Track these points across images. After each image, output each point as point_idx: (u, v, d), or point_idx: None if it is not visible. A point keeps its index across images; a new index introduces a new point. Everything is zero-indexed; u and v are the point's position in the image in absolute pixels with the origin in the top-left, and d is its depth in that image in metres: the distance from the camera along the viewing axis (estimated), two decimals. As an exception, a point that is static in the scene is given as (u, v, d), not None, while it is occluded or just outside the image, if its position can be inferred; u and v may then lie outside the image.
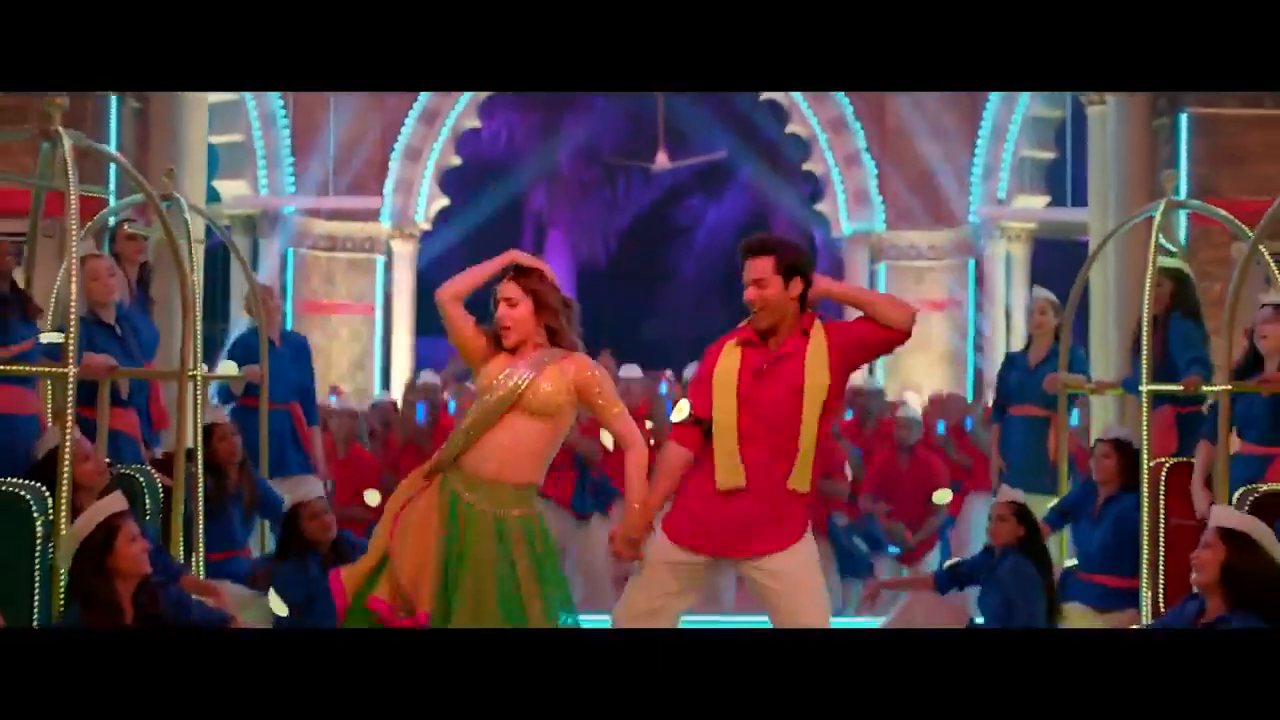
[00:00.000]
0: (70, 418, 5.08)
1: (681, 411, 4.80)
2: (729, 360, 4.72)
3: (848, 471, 9.52)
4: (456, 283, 4.82)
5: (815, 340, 4.66)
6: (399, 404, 11.47)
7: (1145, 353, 6.65)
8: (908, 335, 4.71)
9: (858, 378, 11.70)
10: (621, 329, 24.21)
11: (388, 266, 17.75)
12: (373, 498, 9.17)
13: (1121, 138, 9.71)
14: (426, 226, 18.02)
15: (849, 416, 10.41)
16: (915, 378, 17.39)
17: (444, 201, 18.09)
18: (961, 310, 17.74)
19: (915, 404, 12.61)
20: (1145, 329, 6.68)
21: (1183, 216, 8.46)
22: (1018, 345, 12.25)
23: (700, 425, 4.72)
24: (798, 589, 4.67)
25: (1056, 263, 15.86)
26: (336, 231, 17.33)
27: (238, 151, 16.11)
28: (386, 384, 17.09)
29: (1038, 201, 17.25)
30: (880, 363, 17.72)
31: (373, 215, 17.42)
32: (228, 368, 8.15)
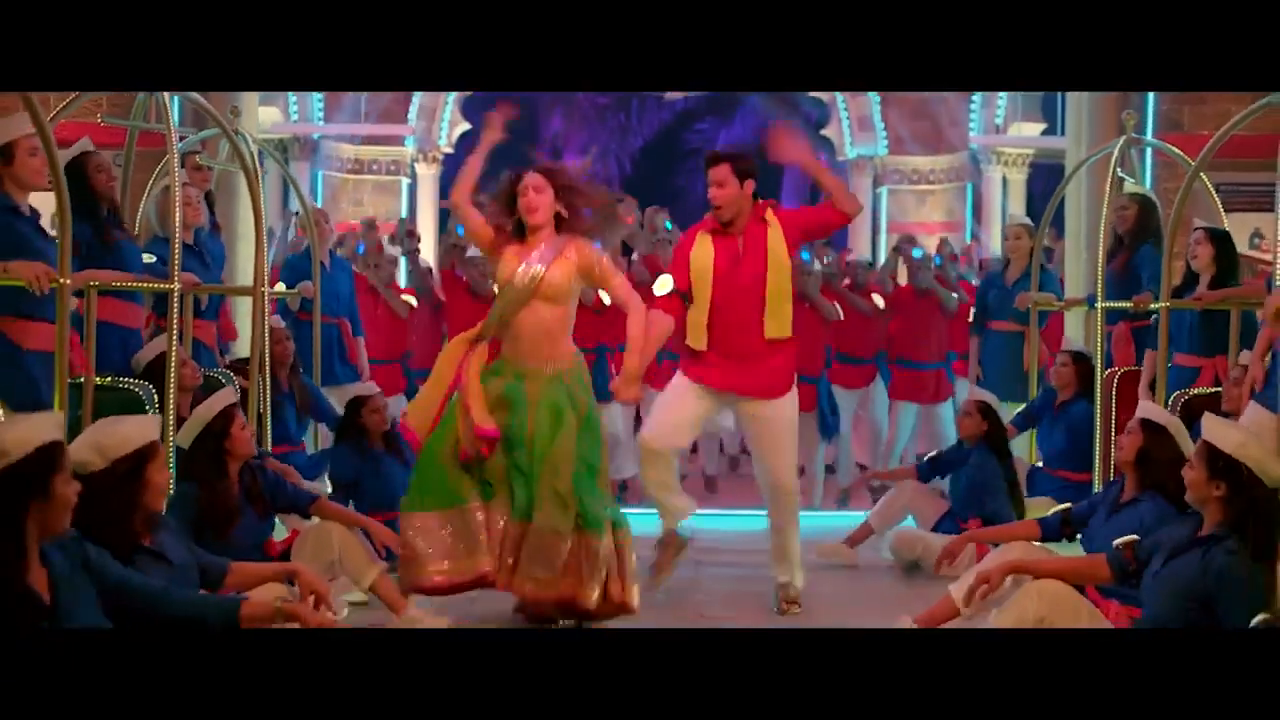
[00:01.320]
0: (176, 327, 5.94)
1: (665, 285, 6.03)
2: (703, 248, 5.92)
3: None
4: (462, 182, 5.92)
5: (774, 227, 5.88)
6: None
7: (1100, 274, 7.47)
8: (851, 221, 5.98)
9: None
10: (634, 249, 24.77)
11: (412, 189, 18.45)
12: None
13: (1095, 75, 10.26)
14: (449, 150, 18.67)
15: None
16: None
17: (465, 126, 18.77)
18: (960, 232, 18.20)
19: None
20: (1101, 252, 7.50)
21: (1148, 150, 9.17)
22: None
23: (681, 296, 5.95)
24: (775, 441, 5.99)
25: (1051, 187, 16.38)
26: (364, 155, 18.03)
27: (270, 79, 16.73)
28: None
29: (1033, 129, 17.84)
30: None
31: (398, 140, 18.13)
32: (280, 287, 8.95)
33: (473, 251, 9.66)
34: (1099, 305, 7.49)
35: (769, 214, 5.91)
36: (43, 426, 3.48)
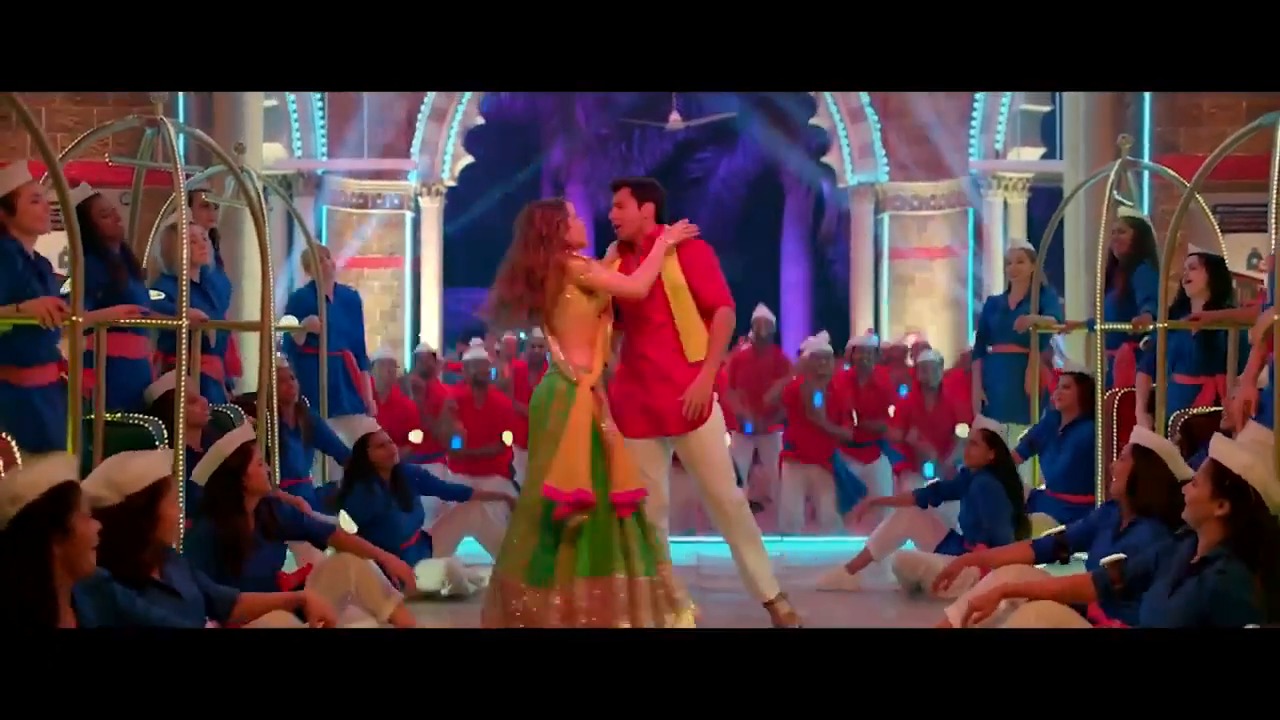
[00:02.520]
0: (184, 363, 6.01)
1: None
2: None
3: (854, 418, 10.39)
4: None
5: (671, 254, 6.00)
6: (437, 354, 12.37)
7: (1099, 296, 7.53)
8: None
9: (856, 336, 12.74)
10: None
11: (416, 223, 18.59)
12: (417, 436, 10.06)
13: (1091, 98, 10.41)
14: (452, 183, 18.88)
15: (846, 369, 11.13)
16: (918, 322, 18.16)
17: (468, 159, 18.94)
18: (961, 258, 18.39)
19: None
20: (1099, 275, 7.56)
21: (1145, 172, 9.24)
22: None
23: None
24: (709, 466, 6.09)
25: (1051, 211, 16.42)
26: (368, 190, 18.19)
27: (274, 116, 16.75)
28: (417, 332, 17.93)
29: (1033, 153, 17.95)
30: (885, 307, 18.54)
31: (402, 174, 18.27)
32: (286, 321, 9.04)
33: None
34: (1098, 328, 7.55)
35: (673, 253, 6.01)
36: (55, 468, 3.55)
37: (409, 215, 18.49)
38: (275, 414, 7.44)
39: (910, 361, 12.06)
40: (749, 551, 6.25)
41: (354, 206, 18.18)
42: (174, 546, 4.43)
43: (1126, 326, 7.49)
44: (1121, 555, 4.70)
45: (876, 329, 17.70)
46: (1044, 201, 18.05)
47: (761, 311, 11.29)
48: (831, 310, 22.08)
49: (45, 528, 3.41)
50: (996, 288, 17.40)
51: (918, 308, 18.40)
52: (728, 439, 6.44)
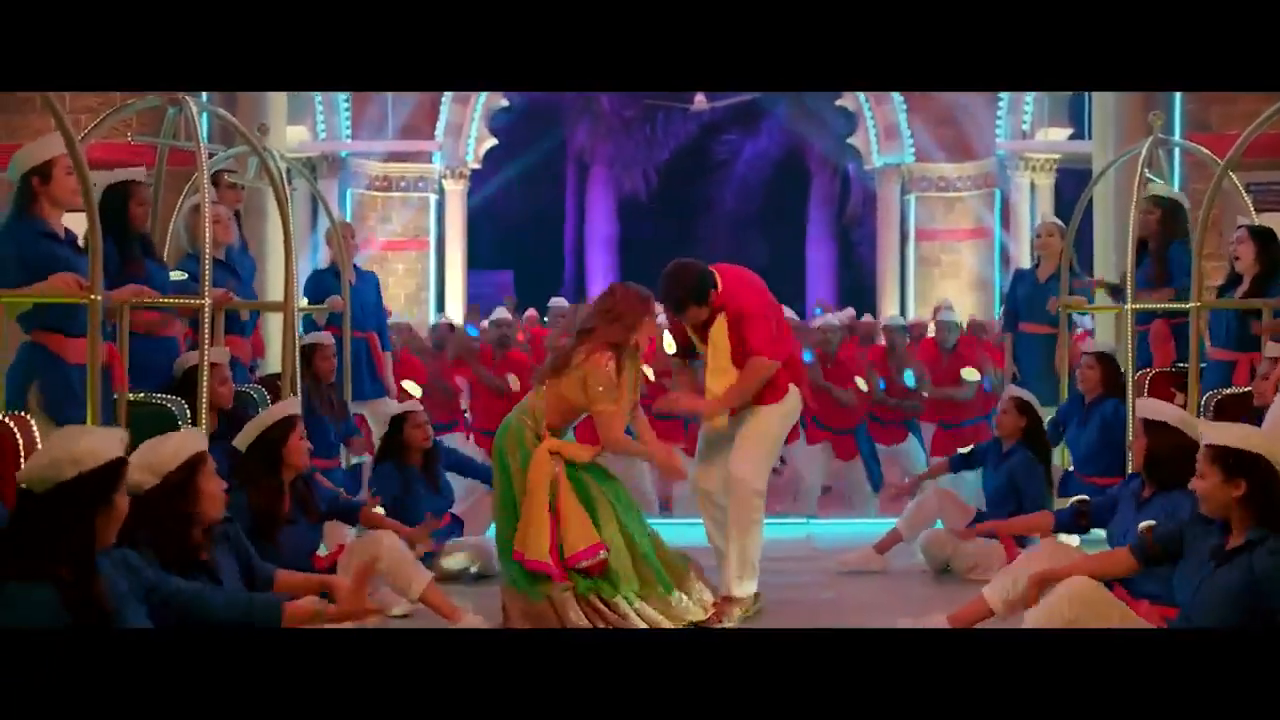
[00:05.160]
0: (206, 342, 5.98)
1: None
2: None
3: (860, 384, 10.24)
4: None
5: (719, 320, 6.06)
6: (455, 327, 12.36)
7: (1129, 275, 7.43)
8: None
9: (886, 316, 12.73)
10: (662, 260, 24.74)
11: (440, 205, 18.57)
12: (414, 388, 9.94)
13: (1122, 76, 10.26)
14: (476, 166, 18.84)
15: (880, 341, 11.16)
16: (948, 304, 18.05)
17: (492, 142, 18.89)
18: (989, 238, 18.31)
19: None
20: (1130, 254, 7.46)
21: (1176, 150, 9.13)
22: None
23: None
24: (750, 442, 6.13)
25: (1079, 192, 16.31)
26: (391, 173, 18.18)
27: (298, 98, 16.65)
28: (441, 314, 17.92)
29: (1060, 133, 17.81)
30: (912, 289, 18.46)
31: (425, 157, 18.24)
32: (302, 302, 8.95)
33: None
34: (1129, 306, 7.45)
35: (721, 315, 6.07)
36: (111, 441, 3.66)
37: (433, 198, 18.47)
38: (303, 394, 7.40)
39: (931, 329, 11.98)
40: (737, 540, 6.09)
41: (378, 189, 18.18)
42: (221, 519, 4.47)
43: (1157, 305, 7.39)
44: (1153, 521, 4.61)
45: (903, 311, 17.60)
46: (1072, 182, 17.96)
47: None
48: (858, 292, 22.00)
49: (94, 497, 3.54)
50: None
51: (944, 289, 18.23)
52: (780, 434, 6.40)
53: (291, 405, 5.78)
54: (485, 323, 10.92)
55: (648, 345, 6.07)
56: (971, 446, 8.19)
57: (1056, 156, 17.75)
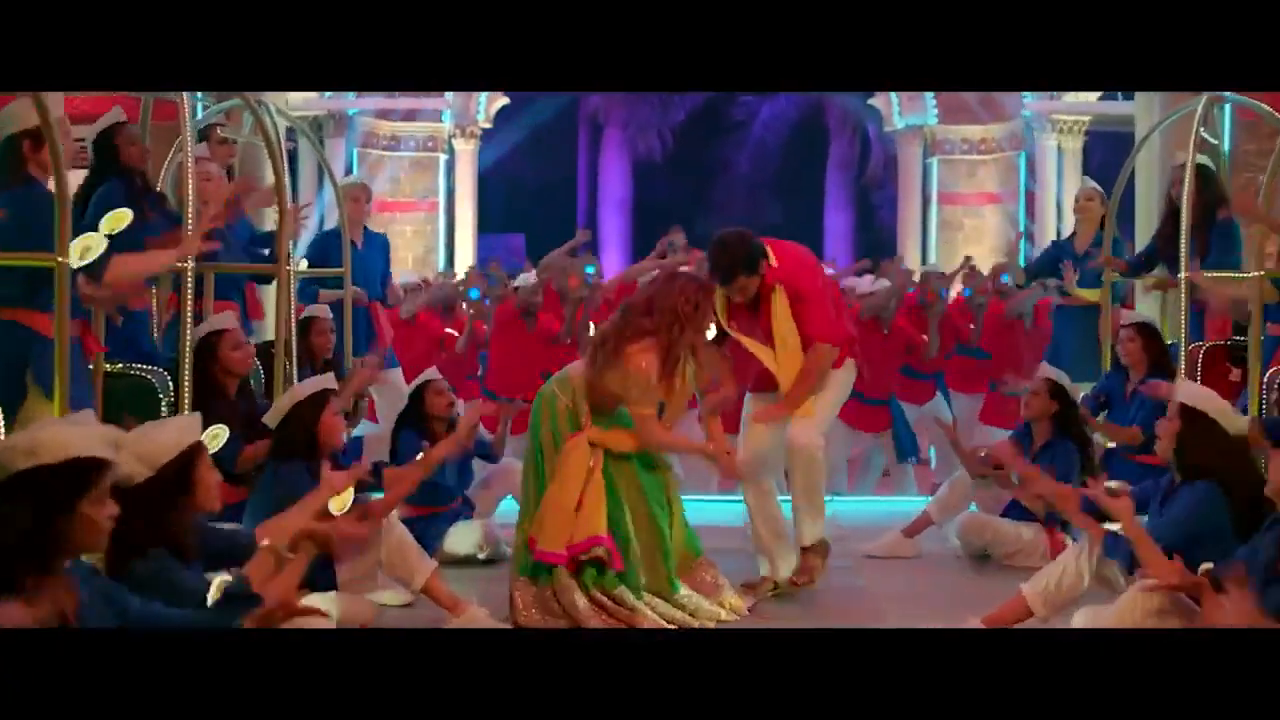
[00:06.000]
0: (189, 309, 5.57)
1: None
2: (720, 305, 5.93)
3: None
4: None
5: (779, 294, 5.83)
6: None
7: (1184, 242, 6.94)
8: None
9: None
10: (677, 222, 24.31)
11: (450, 165, 18.11)
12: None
13: (1168, 31, 9.74)
14: (487, 125, 18.38)
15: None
16: (970, 271, 17.59)
17: (504, 100, 18.41)
18: (1014, 203, 17.88)
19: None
20: (1185, 219, 6.96)
21: (1227, 109, 8.58)
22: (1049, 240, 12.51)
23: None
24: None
25: (1109, 156, 15.96)
26: (400, 132, 17.71)
27: (303, 54, 16.43)
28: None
29: (1090, 94, 17.29)
30: (934, 254, 18.02)
31: (435, 115, 17.77)
32: (301, 265, 8.48)
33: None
34: (1182, 276, 6.96)
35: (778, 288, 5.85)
36: (88, 438, 3.08)
37: (442, 158, 18.03)
38: (299, 365, 6.99)
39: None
40: (804, 496, 6.01)
41: (385, 149, 17.74)
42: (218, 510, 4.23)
43: (1223, 275, 6.89)
44: (1209, 565, 4.17)
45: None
46: (1102, 146, 17.57)
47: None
48: (877, 258, 21.49)
49: (52, 495, 2.97)
50: (1048, 236, 17.00)
51: (967, 254, 17.79)
52: (838, 401, 6.19)
53: (328, 380, 5.55)
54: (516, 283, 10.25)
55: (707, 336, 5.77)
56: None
57: (1086, 119, 17.28)
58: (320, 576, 5.98)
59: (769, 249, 5.85)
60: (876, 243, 23.34)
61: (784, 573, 6.03)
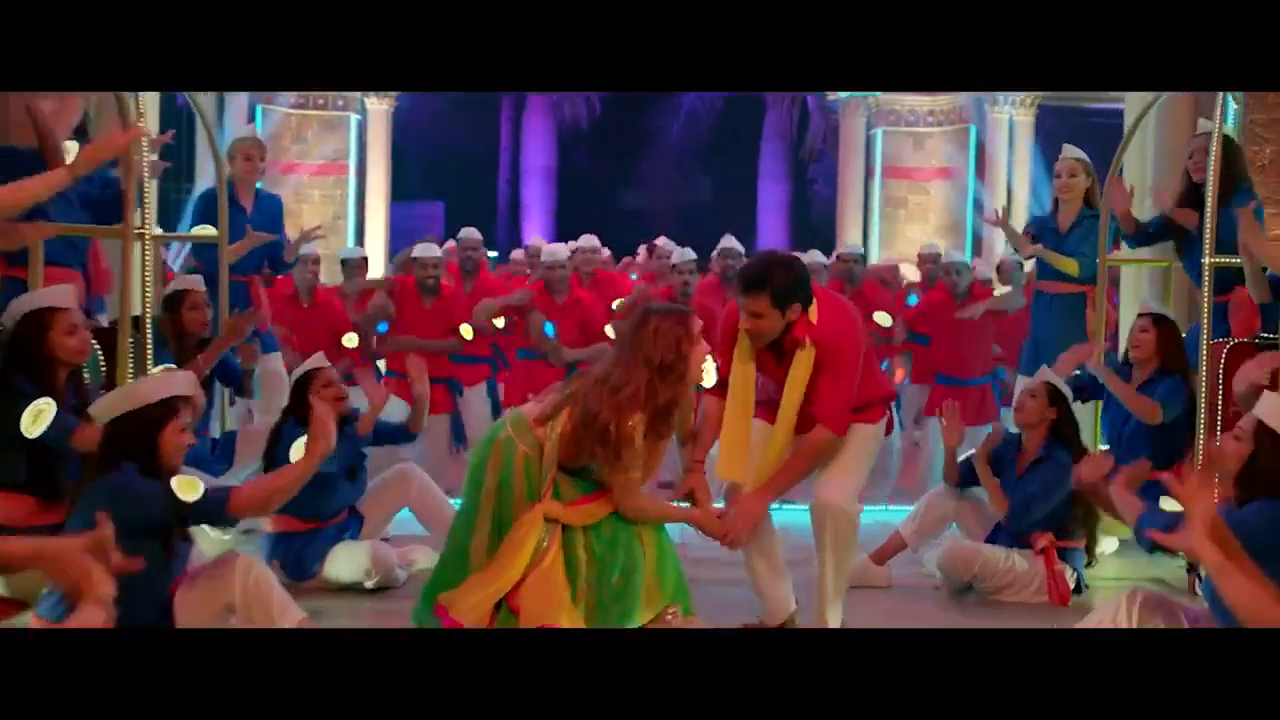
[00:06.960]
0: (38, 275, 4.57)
1: (711, 376, 5.12)
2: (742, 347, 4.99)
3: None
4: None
5: (806, 351, 4.91)
6: (368, 260, 10.92)
7: (1210, 222, 5.97)
8: None
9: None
10: (603, 196, 23.46)
11: (362, 127, 16.91)
12: (350, 340, 8.73)
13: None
14: (404, 84, 17.24)
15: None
16: (911, 249, 16.64)
17: (421, 58, 17.25)
18: (960, 178, 17.16)
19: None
20: (1210, 198, 6.00)
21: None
22: (1018, 220, 11.52)
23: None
24: (836, 463, 5.09)
25: (1061, 130, 15.16)
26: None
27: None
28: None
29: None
30: (875, 230, 17.24)
31: (347, 72, 16.62)
32: (202, 230, 7.42)
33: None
34: (1208, 261, 5.97)
35: (807, 341, 4.90)
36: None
37: (354, 118, 16.79)
38: (149, 340, 5.89)
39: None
40: (833, 562, 5.10)
41: (293, 107, 16.49)
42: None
43: (1235, 261, 5.92)
44: None
45: (865, 255, 16.25)
46: (1053, 119, 16.79)
47: (728, 242, 9.35)
48: (812, 233, 20.73)
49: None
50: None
51: (911, 233, 17.04)
52: (872, 455, 5.20)
53: (183, 383, 4.36)
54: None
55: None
56: (970, 454, 6.59)
57: (1039, 93, 16.45)
58: (350, 525, 5.95)
59: (816, 299, 4.90)
60: (812, 218, 22.62)
61: (779, 617, 5.19)
